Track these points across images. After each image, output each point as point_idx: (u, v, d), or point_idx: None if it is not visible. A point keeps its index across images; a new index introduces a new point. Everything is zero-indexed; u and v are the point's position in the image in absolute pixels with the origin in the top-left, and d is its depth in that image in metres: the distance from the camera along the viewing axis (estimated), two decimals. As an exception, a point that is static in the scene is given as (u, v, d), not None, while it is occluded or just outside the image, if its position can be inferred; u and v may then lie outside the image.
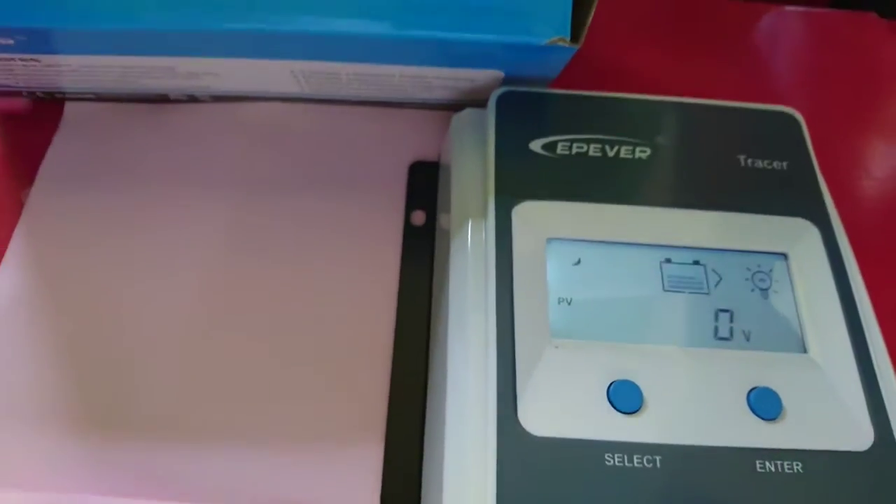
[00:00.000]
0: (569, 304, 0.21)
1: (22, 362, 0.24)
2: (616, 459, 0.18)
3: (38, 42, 0.20)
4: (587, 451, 0.18)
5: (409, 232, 0.28)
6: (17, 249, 0.26)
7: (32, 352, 0.24)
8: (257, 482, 0.22)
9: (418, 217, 0.28)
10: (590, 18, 0.20)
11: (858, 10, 0.37)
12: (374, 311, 0.26)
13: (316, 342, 0.25)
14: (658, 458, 0.18)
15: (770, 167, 0.24)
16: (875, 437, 0.19)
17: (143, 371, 0.24)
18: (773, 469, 0.18)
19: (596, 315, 0.21)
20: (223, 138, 0.29)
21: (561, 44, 0.20)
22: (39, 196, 0.27)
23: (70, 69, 0.23)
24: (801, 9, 0.37)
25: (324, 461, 0.23)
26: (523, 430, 0.18)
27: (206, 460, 0.23)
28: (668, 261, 0.22)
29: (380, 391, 0.24)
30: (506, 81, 0.24)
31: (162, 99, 0.28)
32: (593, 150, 0.23)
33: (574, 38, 0.20)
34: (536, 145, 0.23)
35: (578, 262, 0.21)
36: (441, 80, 0.24)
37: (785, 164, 0.24)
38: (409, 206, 0.28)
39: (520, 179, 0.22)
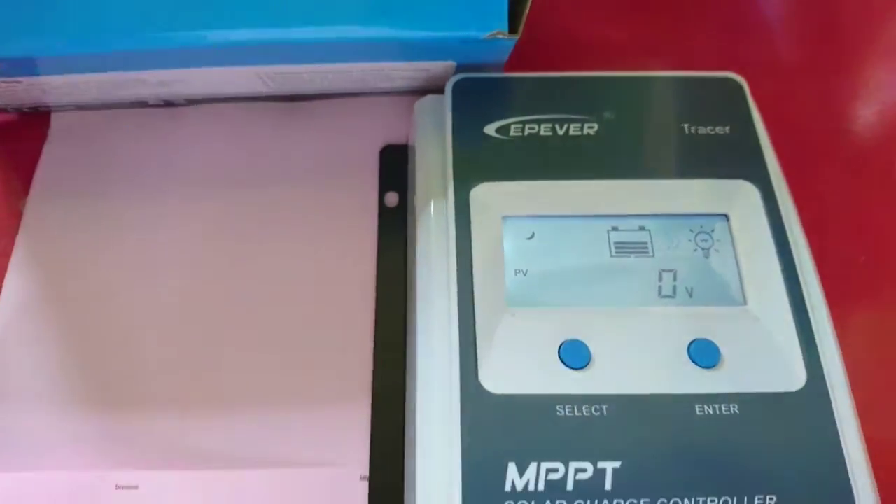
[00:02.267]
0: (524, 274, 0.23)
1: (35, 355, 0.26)
2: (566, 410, 0.20)
3: (17, 67, 0.22)
4: (540, 405, 0.20)
5: (384, 213, 0.29)
6: (21, 255, 0.28)
7: (44, 345, 0.26)
8: (254, 447, 0.24)
9: (391, 198, 0.30)
10: (526, 11, 0.21)
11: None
12: (355, 288, 0.28)
13: (302, 317, 0.27)
14: (605, 406, 0.20)
15: (713, 132, 0.25)
16: (807, 378, 0.21)
17: (144, 355, 0.26)
18: (711, 412, 0.20)
19: (549, 284, 0.22)
20: (201, 139, 0.30)
21: (500, 37, 0.21)
22: (36, 204, 0.29)
23: (50, 87, 0.25)
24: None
25: (316, 425, 0.25)
26: (483, 389, 0.20)
27: (205, 430, 0.25)
28: (616, 229, 0.23)
29: (365, 360, 0.26)
30: (459, 69, 0.26)
31: (141, 104, 0.30)
32: (544, 129, 0.25)
33: (512, 30, 0.21)
34: (491, 129, 0.25)
35: (532, 236, 0.23)
36: (398, 71, 0.26)
37: (727, 128, 0.25)
38: (383, 189, 0.30)
39: (476, 162, 0.24)
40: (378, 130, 0.31)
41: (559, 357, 0.21)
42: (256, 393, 0.26)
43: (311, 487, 0.24)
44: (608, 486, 0.19)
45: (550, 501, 0.19)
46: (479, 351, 0.21)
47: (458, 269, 0.22)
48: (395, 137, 0.31)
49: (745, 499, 0.19)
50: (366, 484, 0.24)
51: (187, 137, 0.30)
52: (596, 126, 0.25)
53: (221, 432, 0.25)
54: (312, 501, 0.24)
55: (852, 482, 0.19)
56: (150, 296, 0.27)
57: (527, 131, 0.25)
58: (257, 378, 0.26)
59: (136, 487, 0.23)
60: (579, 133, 0.25)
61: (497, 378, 0.20)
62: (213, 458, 0.24)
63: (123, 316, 0.27)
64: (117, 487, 0.23)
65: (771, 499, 0.19)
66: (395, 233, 0.29)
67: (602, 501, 0.19)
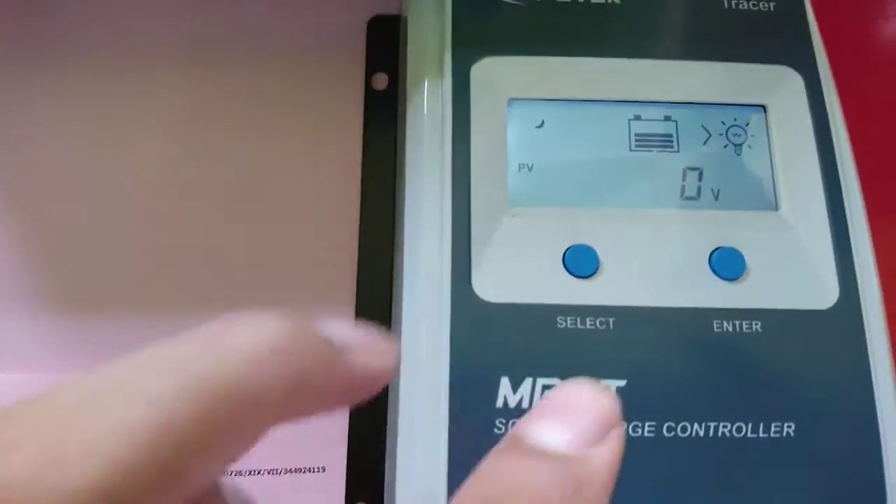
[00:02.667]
0: (529, 170, 0.20)
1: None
2: (568, 322, 0.18)
3: None
4: (539, 315, 0.18)
5: (371, 96, 0.26)
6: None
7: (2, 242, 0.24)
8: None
9: (380, 80, 0.26)
10: None
11: None
12: (338, 181, 0.25)
13: (279, 213, 0.25)
14: (611, 319, 0.18)
15: (756, 8, 0.21)
16: (839, 295, 0.19)
17: (111, 251, 0.24)
18: (730, 329, 0.18)
19: (558, 181, 0.20)
20: (164, 5, 0.26)
21: None
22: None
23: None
24: None
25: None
26: (477, 297, 0.18)
27: (177, 333, 0.23)
28: (638, 118, 0.20)
29: (348, 261, 0.24)
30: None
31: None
32: (561, -5, 0.21)
33: None
34: (498, -9, 0.21)
35: (542, 124, 0.20)
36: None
37: (772, 4, 0.22)
38: (370, 68, 0.26)
39: (480, 32, 0.21)
40: (366, -3, 0.27)
41: (563, 264, 0.18)
42: (230, 292, 0.24)
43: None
44: (611, 405, 0.17)
45: (546, 420, 0.17)
46: (473, 254, 0.18)
47: (453, 161, 0.19)
48: (386, 6, 0.27)
49: (761, 426, 0.17)
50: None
51: (148, 5, 0.26)
52: (622, -6, 0.21)
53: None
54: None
55: (879, 413, 0.17)
56: (113, 185, 0.25)
57: (541, -3, 0.21)
58: (231, 277, 0.24)
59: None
60: (603, 2, 0.21)
61: (492, 285, 0.18)
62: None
63: (85, 208, 0.24)
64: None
65: (789, 426, 0.17)
66: (383, 120, 0.25)
67: (603, 422, 0.17)
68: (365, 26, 0.26)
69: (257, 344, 0.10)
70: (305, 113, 0.26)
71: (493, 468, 0.11)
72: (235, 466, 0.24)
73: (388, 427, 0.21)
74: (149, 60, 0.26)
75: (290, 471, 0.22)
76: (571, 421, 0.12)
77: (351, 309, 0.23)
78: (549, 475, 0.11)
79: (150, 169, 0.25)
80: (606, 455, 0.11)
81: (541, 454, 0.11)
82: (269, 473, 0.22)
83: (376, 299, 0.23)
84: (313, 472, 0.23)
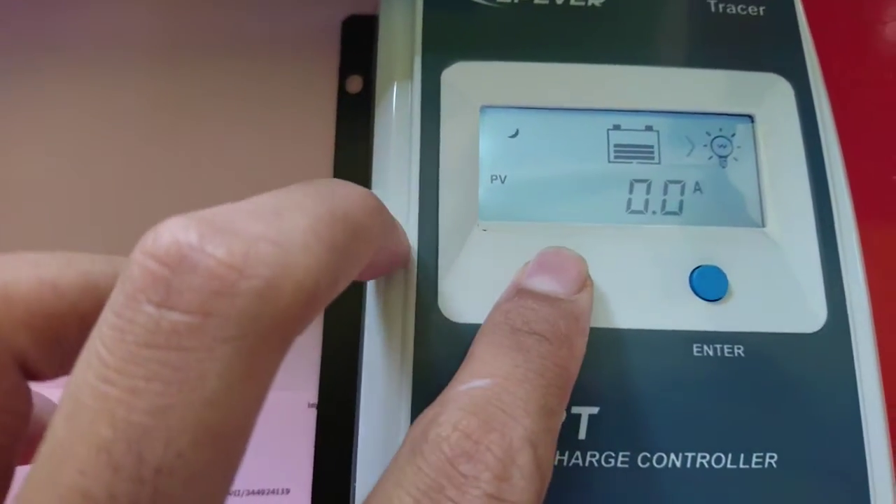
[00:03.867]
0: (502, 182, 0.19)
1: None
2: (539, 347, 0.17)
3: None
4: (508, 340, 0.17)
5: (344, 100, 0.25)
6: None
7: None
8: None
9: (354, 83, 0.25)
10: None
11: None
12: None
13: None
14: (585, 343, 0.17)
15: (744, 13, 0.20)
16: (826, 318, 0.18)
17: (82, 248, 0.23)
18: (710, 353, 0.17)
19: (531, 194, 0.19)
20: (135, 3, 0.25)
21: None
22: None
23: None
24: None
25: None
26: (443, 316, 0.17)
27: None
28: (617, 127, 0.19)
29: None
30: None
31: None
32: (539, -3, 0.20)
33: None
34: (473, -7, 0.20)
35: (516, 133, 0.19)
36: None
37: (762, 8, 0.20)
38: (344, 70, 0.25)
39: (452, 35, 0.19)
40: (340, -4, 0.26)
41: (536, 282, 0.17)
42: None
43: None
44: (582, 434, 0.16)
45: (514, 449, 0.16)
46: (440, 271, 0.17)
47: (420, 172, 0.18)
48: (362, 6, 0.26)
49: (742, 456, 0.16)
50: (314, 412, 0.22)
51: (121, 4, 0.25)
52: (603, -3, 0.20)
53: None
54: (258, 427, 0.21)
55: (866, 445, 0.16)
56: (84, 186, 0.24)
57: (517, -2, 0.20)
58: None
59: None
60: (582, 4, 0.20)
61: (460, 305, 0.17)
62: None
63: (55, 206, 0.24)
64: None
65: (771, 457, 0.16)
66: (356, 124, 0.24)
67: (574, 453, 0.16)
68: (339, 26, 0.25)
69: (368, 200, 0.13)
70: (277, 115, 0.25)
71: (510, 306, 0.15)
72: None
73: (353, 448, 0.20)
74: (120, 60, 0.25)
75: (254, 492, 0.22)
76: (560, 276, 0.16)
77: (319, 329, 0.22)
78: (555, 310, 0.15)
79: (120, 168, 0.24)
80: (587, 299, 0.16)
81: (544, 297, 0.15)
82: (232, 495, 0.21)
83: (342, 319, 0.22)
84: (278, 493, 0.22)
